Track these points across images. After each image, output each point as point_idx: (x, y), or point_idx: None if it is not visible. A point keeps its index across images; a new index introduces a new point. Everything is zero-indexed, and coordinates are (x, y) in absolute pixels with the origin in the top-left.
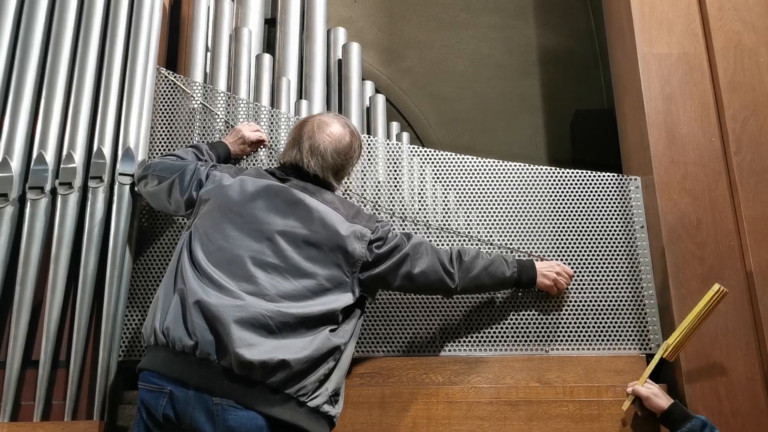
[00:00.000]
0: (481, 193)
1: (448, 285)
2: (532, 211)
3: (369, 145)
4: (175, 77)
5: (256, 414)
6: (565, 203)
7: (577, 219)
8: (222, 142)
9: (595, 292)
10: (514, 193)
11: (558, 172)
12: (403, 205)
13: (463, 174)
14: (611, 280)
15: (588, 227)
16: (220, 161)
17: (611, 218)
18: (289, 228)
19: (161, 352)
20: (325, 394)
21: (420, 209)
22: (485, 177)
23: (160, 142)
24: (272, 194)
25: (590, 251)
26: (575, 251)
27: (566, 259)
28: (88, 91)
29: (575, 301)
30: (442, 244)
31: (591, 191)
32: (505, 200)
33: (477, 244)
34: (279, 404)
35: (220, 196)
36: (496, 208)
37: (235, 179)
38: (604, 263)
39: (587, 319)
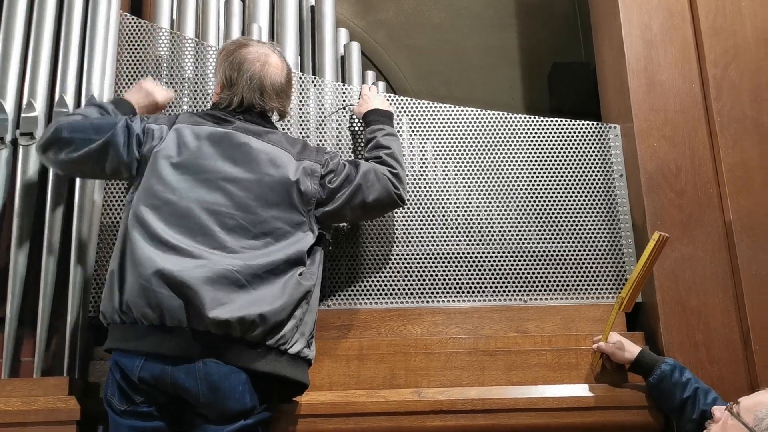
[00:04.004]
0: (458, 142)
1: (398, 204)
2: (511, 160)
3: (344, 93)
4: (140, 23)
5: (238, 369)
6: (544, 152)
7: (555, 168)
8: (127, 102)
9: (573, 241)
10: (492, 142)
11: (537, 121)
12: None
13: (441, 123)
14: (590, 229)
15: (566, 176)
16: None
17: (590, 167)
18: (238, 174)
19: (130, 330)
20: (303, 339)
21: None
22: (463, 126)
23: (126, 90)
24: (216, 141)
25: (569, 200)
26: (553, 200)
27: (544, 209)
28: (48, 36)
29: (554, 251)
30: (420, 195)
31: (570, 140)
32: (483, 149)
33: (455, 197)
34: (260, 357)
35: (160, 151)
36: (474, 158)
37: (171, 130)
38: (582, 212)
39: (566, 268)
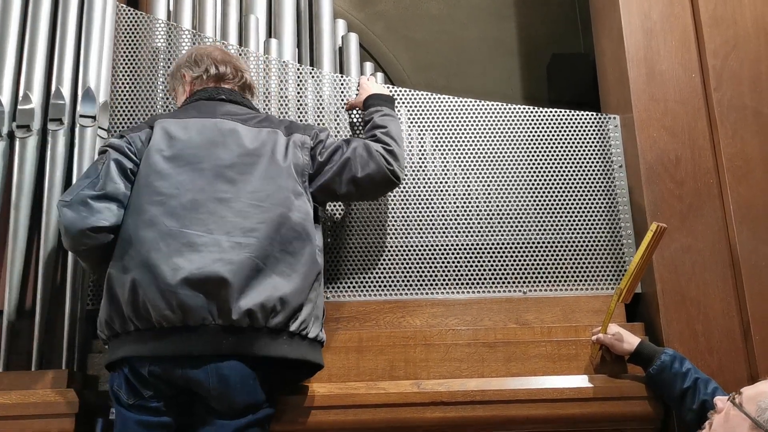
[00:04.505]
0: (457, 133)
1: (393, 182)
2: (510, 152)
3: (342, 85)
4: (136, 14)
5: (251, 361)
6: (544, 143)
7: (555, 159)
8: None
9: (573, 233)
10: (492, 133)
11: (536, 112)
12: None
13: (439, 114)
14: (589, 220)
15: (566, 167)
16: None
17: (589, 158)
18: (235, 159)
19: (146, 335)
20: (318, 322)
21: None
22: (462, 117)
23: (122, 83)
24: (205, 130)
25: (568, 191)
26: (553, 191)
27: (544, 200)
28: (44, 27)
29: (553, 242)
30: (419, 186)
31: (569, 131)
32: (483, 140)
33: (454, 188)
34: (286, 344)
35: (150, 148)
36: (473, 149)
37: (155, 129)
38: (582, 203)
39: (565, 259)
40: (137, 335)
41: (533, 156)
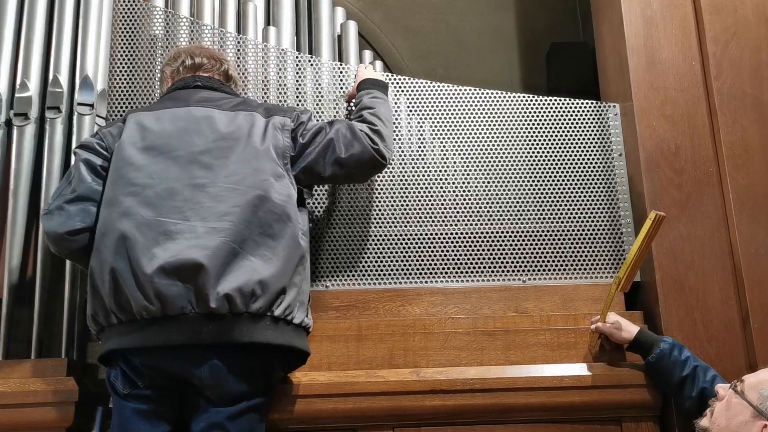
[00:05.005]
0: (456, 122)
1: (380, 162)
2: (509, 140)
3: (341, 73)
4: (134, 1)
5: (242, 350)
6: (543, 132)
7: (554, 147)
8: None
9: (572, 221)
10: (491, 121)
11: (535, 100)
12: None
13: (439, 103)
14: (588, 208)
15: (565, 156)
16: None
17: (589, 146)
18: (210, 145)
19: (130, 328)
20: (303, 308)
21: (395, 139)
22: (461, 106)
23: (120, 70)
24: (178, 119)
25: (567, 180)
26: (552, 180)
27: (543, 188)
28: (41, 14)
29: (553, 231)
30: (418, 174)
31: (568, 119)
32: (482, 129)
33: (453, 177)
34: (269, 329)
35: (123, 141)
36: (472, 138)
37: (128, 122)
38: (581, 192)
39: (564, 248)
40: (120, 328)
41: (533, 145)
